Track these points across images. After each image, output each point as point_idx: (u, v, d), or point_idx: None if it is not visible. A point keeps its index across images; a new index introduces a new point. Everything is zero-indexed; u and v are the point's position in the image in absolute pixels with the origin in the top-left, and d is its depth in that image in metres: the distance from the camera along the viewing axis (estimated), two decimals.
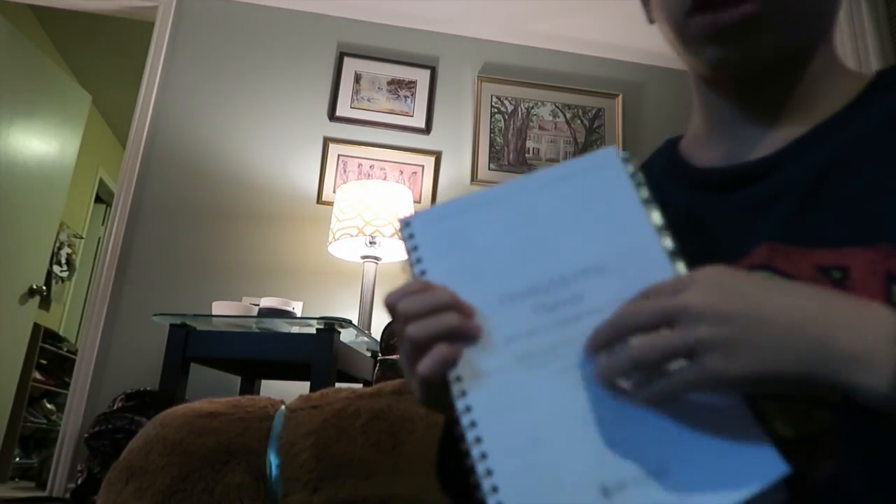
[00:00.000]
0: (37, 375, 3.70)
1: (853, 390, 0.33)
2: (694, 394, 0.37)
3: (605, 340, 0.39)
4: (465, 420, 0.39)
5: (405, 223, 0.46)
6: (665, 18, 0.52)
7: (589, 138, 2.91)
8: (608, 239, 0.43)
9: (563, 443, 0.37)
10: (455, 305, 0.42)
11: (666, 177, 0.59)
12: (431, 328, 0.41)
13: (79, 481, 2.00)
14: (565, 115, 2.92)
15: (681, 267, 0.42)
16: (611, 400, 0.38)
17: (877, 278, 0.42)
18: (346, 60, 2.81)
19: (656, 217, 0.44)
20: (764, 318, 0.35)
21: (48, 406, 4.04)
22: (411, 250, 0.45)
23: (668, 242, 0.43)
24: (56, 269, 4.26)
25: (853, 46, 2.45)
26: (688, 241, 0.53)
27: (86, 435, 2.04)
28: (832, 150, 0.48)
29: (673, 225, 0.55)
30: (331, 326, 1.66)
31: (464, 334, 0.41)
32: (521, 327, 0.41)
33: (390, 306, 0.43)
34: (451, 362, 0.40)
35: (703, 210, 0.53)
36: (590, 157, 0.46)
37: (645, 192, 0.45)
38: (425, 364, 0.40)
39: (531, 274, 0.42)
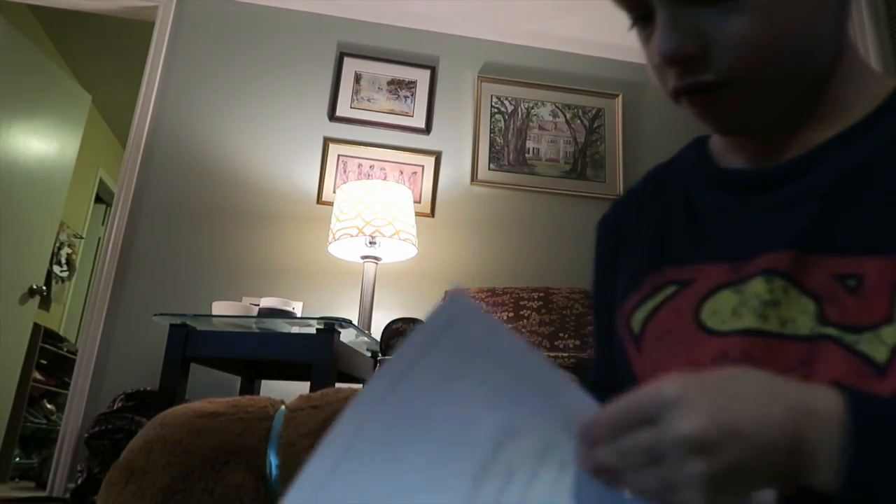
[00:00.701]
0: (37, 375, 3.70)
1: (812, 485, 0.35)
2: None
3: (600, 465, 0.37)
4: None
5: None
6: (652, 73, 0.54)
7: (589, 138, 2.91)
8: (506, 395, 0.38)
9: None
10: None
11: (694, 174, 0.60)
12: None
13: (79, 481, 2.00)
14: (565, 116, 2.92)
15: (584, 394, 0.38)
16: None
17: (886, 287, 0.42)
18: (346, 60, 2.81)
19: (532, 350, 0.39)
20: (745, 435, 0.34)
21: (48, 406, 4.04)
22: None
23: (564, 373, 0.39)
24: (56, 269, 4.26)
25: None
26: (711, 240, 0.54)
27: (86, 435, 2.04)
28: (856, 156, 0.48)
29: (697, 221, 0.55)
30: (331, 326, 1.66)
31: None
32: None
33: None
34: None
35: (727, 210, 0.54)
36: (441, 314, 0.39)
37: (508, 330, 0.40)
38: None
39: (462, 477, 0.36)
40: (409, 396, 0.37)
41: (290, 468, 0.83)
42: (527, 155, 2.84)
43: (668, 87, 0.51)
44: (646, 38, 0.52)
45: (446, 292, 0.36)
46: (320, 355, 1.63)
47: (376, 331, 2.27)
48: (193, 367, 1.81)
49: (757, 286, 0.48)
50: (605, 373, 0.64)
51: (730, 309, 0.49)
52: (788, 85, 0.49)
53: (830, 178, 0.48)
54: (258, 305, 1.83)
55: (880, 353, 0.42)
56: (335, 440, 0.36)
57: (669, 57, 0.47)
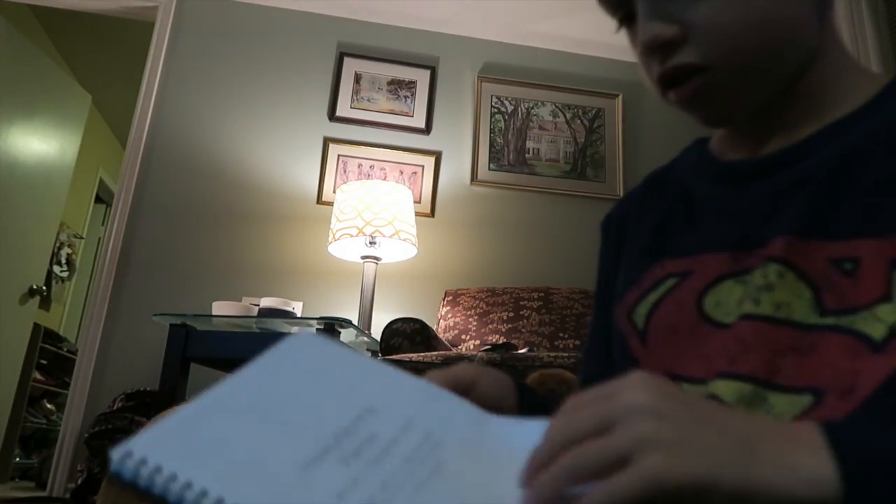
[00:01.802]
0: (37, 375, 3.70)
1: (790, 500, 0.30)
2: None
3: (543, 463, 0.33)
4: None
5: (125, 455, 0.30)
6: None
7: (589, 138, 2.91)
8: (357, 389, 0.39)
9: None
10: None
11: (693, 170, 0.61)
12: None
13: (79, 481, 2.00)
14: (565, 116, 2.92)
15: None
16: None
17: (882, 265, 0.43)
18: (346, 60, 2.81)
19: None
20: (706, 419, 0.32)
21: (48, 406, 4.04)
22: (153, 477, 0.30)
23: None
24: (56, 269, 4.26)
25: (853, 47, 2.45)
26: (710, 230, 0.54)
27: (86, 435, 2.04)
28: (850, 142, 0.49)
29: (696, 212, 0.55)
30: (331, 326, 1.66)
31: None
32: (343, 482, 0.32)
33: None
34: None
35: (724, 200, 0.55)
36: (288, 343, 0.40)
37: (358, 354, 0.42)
38: None
39: (316, 439, 0.34)
40: (261, 392, 0.38)
41: None
42: (527, 155, 2.84)
43: (654, 78, 0.53)
44: (633, 39, 0.55)
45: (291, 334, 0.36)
46: None
47: (376, 331, 2.27)
48: (193, 367, 1.81)
49: (758, 276, 0.48)
50: (597, 368, 0.64)
51: (735, 301, 0.49)
52: (768, 72, 0.50)
53: (825, 166, 0.49)
54: (258, 305, 1.83)
55: (876, 331, 0.42)
56: (196, 405, 0.36)
57: (650, 42, 0.50)
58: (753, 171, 0.54)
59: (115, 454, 0.31)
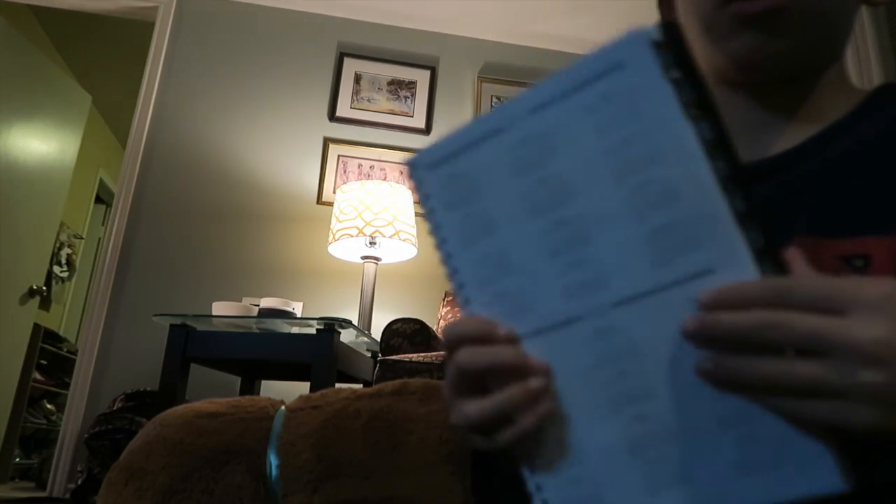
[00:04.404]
0: (37, 375, 3.70)
1: None
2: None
3: (715, 340, 0.32)
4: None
5: (411, 167, 0.40)
6: (692, 13, 0.55)
7: None
8: (635, 175, 0.34)
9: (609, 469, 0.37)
10: (523, 366, 0.38)
11: None
12: (513, 399, 0.37)
13: (79, 482, 2.00)
14: None
15: (739, 202, 0.33)
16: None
17: (892, 261, 0.43)
18: (346, 61, 2.81)
19: (705, 131, 0.33)
20: None
21: (48, 406, 4.04)
22: (422, 199, 0.41)
23: (723, 167, 0.33)
24: (56, 269, 4.26)
25: (853, 48, 2.45)
26: None
27: (86, 435, 2.04)
28: (852, 142, 0.50)
29: None
30: (331, 327, 1.66)
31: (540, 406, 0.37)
32: (558, 309, 0.36)
33: (451, 341, 0.40)
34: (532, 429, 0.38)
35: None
36: (611, 51, 0.35)
37: (689, 95, 0.34)
38: (512, 434, 0.38)
39: (549, 226, 0.36)
40: (544, 128, 0.36)
41: (290, 468, 0.83)
42: None
43: (722, 9, 0.51)
44: None
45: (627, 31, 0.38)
46: (320, 355, 1.63)
47: (376, 331, 2.27)
48: (193, 367, 1.81)
49: None
50: None
51: None
52: (824, 36, 0.52)
53: (831, 165, 0.50)
54: (258, 306, 1.83)
55: None
56: (475, 127, 0.38)
57: None
58: (758, 172, 0.54)
59: (412, 160, 0.40)
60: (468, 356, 0.39)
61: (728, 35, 0.52)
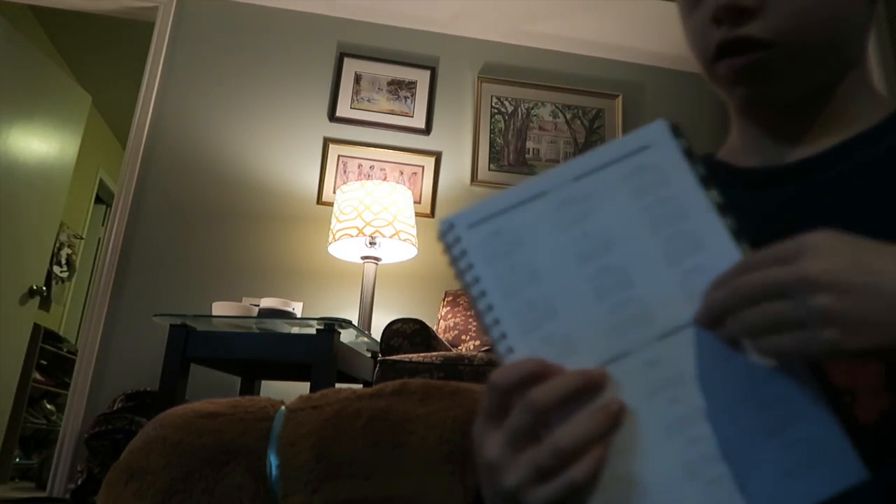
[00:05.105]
0: (37, 376, 3.70)
1: None
2: (776, 388, 0.37)
3: (716, 316, 0.38)
4: None
5: (450, 226, 0.42)
6: (695, 58, 0.57)
7: (589, 139, 2.91)
8: (667, 229, 0.41)
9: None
10: (591, 383, 0.38)
11: None
12: (586, 432, 0.36)
13: (79, 482, 2.00)
14: (565, 116, 2.92)
15: (747, 249, 0.41)
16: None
17: None
18: (347, 61, 2.81)
19: (716, 196, 0.42)
20: (885, 291, 0.33)
21: (48, 406, 4.04)
22: (457, 255, 0.42)
23: (732, 223, 0.41)
24: (56, 269, 4.26)
25: None
26: None
27: (86, 435, 2.04)
28: (870, 155, 0.51)
29: None
30: (331, 327, 1.66)
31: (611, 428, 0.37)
32: (606, 345, 0.39)
33: (504, 388, 0.38)
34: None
35: (743, 205, 0.56)
36: (638, 135, 0.43)
37: (702, 169, 0.42)
38: (584, 470, 0.35)
39: (593, 272, 0.41)
40: (585, 192, 0.42)
41: (290, 468, 0.83)
42: (527, 155, 2.84)
43: (711, 46, 0.54)
44: (692, 7, 0.56)
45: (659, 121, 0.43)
46: (320, 356, 1.63)
47: (376, 331, 2.27)
48: (193, 367, 1.81)
49: None
50: None
51: None
52: (821, 64, 0.53)
53: (850, 175, 0.50)
54: (258, 306, 1.83)
55: None
56: (514, 193, 0.42)
57: (727, 4, 0.51)
58: (776, 177, 0.55)
59: (450, 219, 0.42)
60: (542, 392, 0.37)
61: (727, 86, 0.55)
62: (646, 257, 0.40)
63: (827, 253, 0.34)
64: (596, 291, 0.40)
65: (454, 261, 0.42)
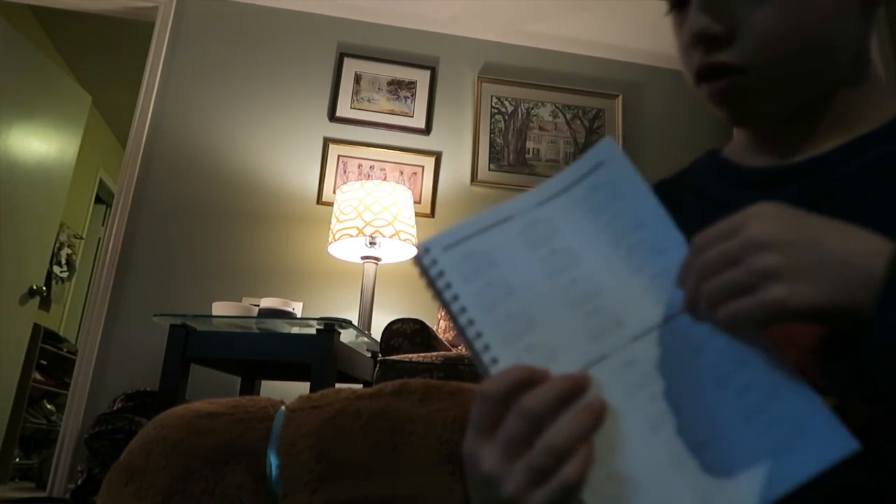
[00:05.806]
0: (37, 376, 3.70)
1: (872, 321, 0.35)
2: (762, 374, 0.39)
3: (694, 301, 0.39)
4: None
5: (426, 250, 0.43)
6: (685, 74, 0.58)
7: (589, 139, 2.91)
8: (627, 239, 0.44)
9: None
10: (577, 388, 0.39)
11: (709, 175, 0.62)
12: (576, 430, 0.37)
13: (79, 482, 2.00)
14: (565, 116, 2.92)
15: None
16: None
17: None
18: (347, 61, 2.81)
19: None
20: (824, 249, 0.36)
21: (48, 406, 4.04)
22: (435, 276, 0.43)
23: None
24: (56, 269, 4.26)
25: None
26: None
27: (86, 435, 2.04)
28: (875, 157, 0.50)
29: (715, 215, 0.59)
30: (331, 327, 1.66)
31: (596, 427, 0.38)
32: (585, 351, 0.41)
33: (497, 397, 0.39)
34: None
35: (748, 204, 0.55)
36: (590, 156, 0.46)
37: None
38: (576, 469, 0.36)
39: (564, 285, 0.43)
40: (548, 216, 0.45)
41: (290, 468, 0.83)
42: (527, 155, 2.84)
43: (692, 69, 0.54)
44: (679, 24, 0.57)
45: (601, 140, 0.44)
46: (320, 356, 1.63)
47: (376, 331, 2.27)
48: (193, 367, 1.81)
49: None
50: None
51: None
52: (802, 83, 0.52)
53: (850, 179, 0.50)
54: (258, 306, 1.83)
55: None
56: (483, 219, 0.44)
57: (698, 34, 0.52)
58: (780, 177, 0.55)
59: (426, 243, 0.43)
60: (536, 398, 0.37)
61: (712, 105, 0.55)
62: (610, 269, 0.43)
63: (769, 218, 0.37)
64: (569, 302, 0.42)
65: (432, 282, 0.43)
